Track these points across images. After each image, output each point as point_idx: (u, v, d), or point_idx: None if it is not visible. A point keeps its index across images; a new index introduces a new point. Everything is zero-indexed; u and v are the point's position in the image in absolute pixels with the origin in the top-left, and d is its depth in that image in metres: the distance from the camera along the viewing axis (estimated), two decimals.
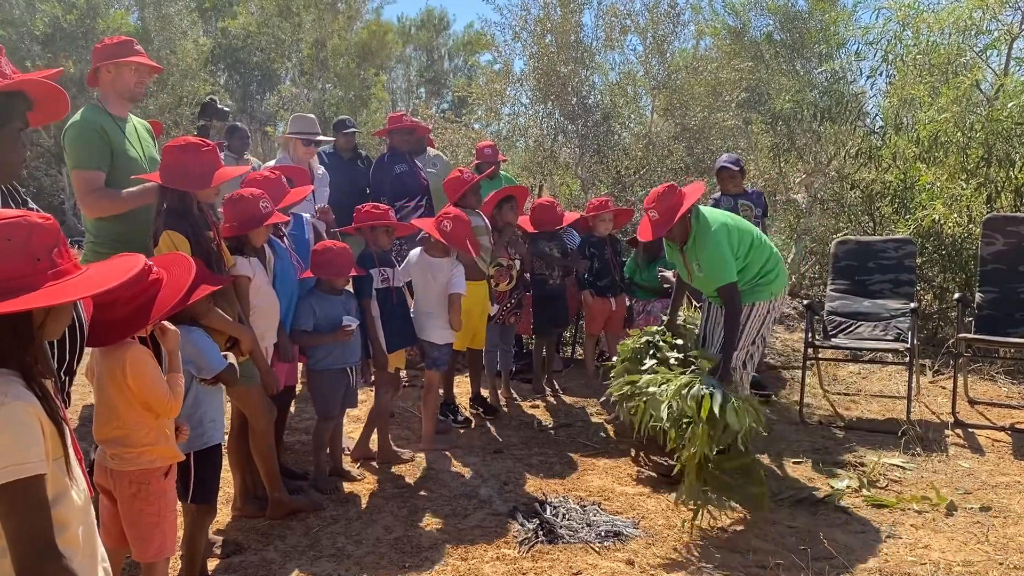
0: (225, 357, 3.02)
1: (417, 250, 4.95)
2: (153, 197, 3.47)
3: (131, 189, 3.52)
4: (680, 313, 4.93)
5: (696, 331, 4.77)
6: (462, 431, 5.29)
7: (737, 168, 6.15)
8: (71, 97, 2.38)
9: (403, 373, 5.10)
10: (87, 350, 2.41)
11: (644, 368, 4.51)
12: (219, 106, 4.54)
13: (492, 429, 5.37)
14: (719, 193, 6.19)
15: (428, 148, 7.07)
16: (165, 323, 2.55)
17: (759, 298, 4.29)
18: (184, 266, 2.48)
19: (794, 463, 4.76)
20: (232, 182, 3.79)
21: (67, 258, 1.67)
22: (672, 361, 4.53)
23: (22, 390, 1.58)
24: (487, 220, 5.48)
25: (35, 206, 2.28)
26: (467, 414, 5.57)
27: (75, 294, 1.64)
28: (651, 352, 4.66)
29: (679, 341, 4.67)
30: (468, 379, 5.87)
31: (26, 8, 14.81)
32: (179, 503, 2.88)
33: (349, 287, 4.48)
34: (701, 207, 4.36)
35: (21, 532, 1.53)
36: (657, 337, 4.74)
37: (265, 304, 3.74)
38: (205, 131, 3.96)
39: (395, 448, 4.71)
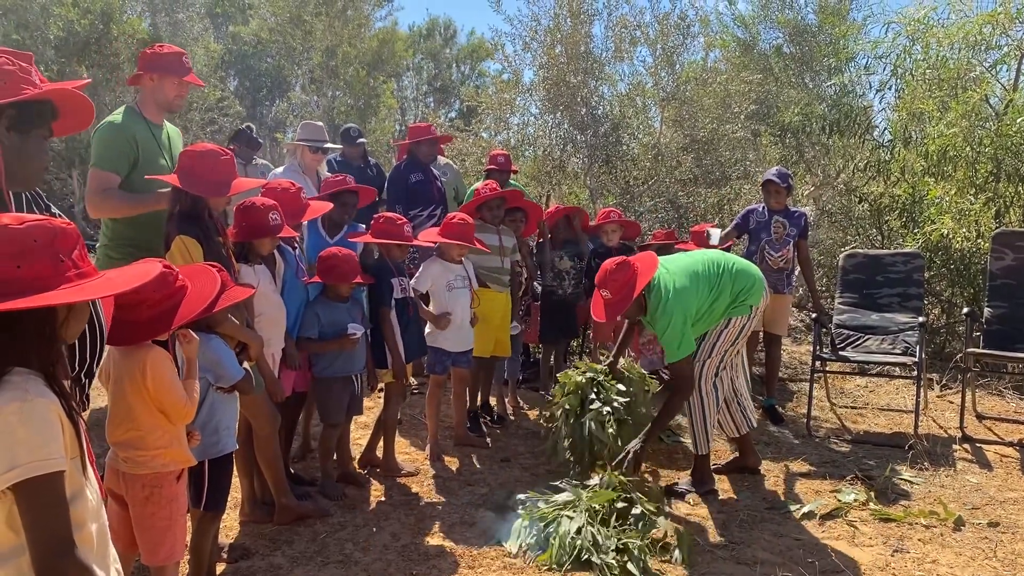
0: (242, 365, 3.04)
1: (433, 258, 4.96)
2: (162, 205, 3.50)
3: (143, 195, 3.55)
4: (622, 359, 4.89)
5: (634, 376, 4.79)
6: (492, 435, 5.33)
7: (783, 184, 5.90)
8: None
9: (413, 381, 5.12)
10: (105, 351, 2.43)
11: (591, 408, 4.52)
12: (254, 135, 4.51)
13: (500, 438, 5.38)
14: (761, 205, 6.07)
15: (439, 157, 7.10)
16: (189, 331, 2.58)
17: (738, 314, 4.28)
18: (209, 277, 2.51)
19: (801, 476, 4.76)
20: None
21: (87, 262, 1.70)
22: (616, 404, 4.52)
23: (43, 388, 1.61)
24: (501, 238, 5.44)
25: (58, 211, 2.31)
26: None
27: (97, 293, 1.67)
28: (595, 391, 4.63)
29: (622, 387, 4.63)
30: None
31: (40, 13, 14.91)
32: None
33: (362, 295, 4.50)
34: (659, 268, 4.24)
35: (41, 528, 1.54)
36: (601, 376, 4.71)
37: (271, 312, 3.75)
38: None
39: (399, 462, 4.71)
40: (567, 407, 4.65)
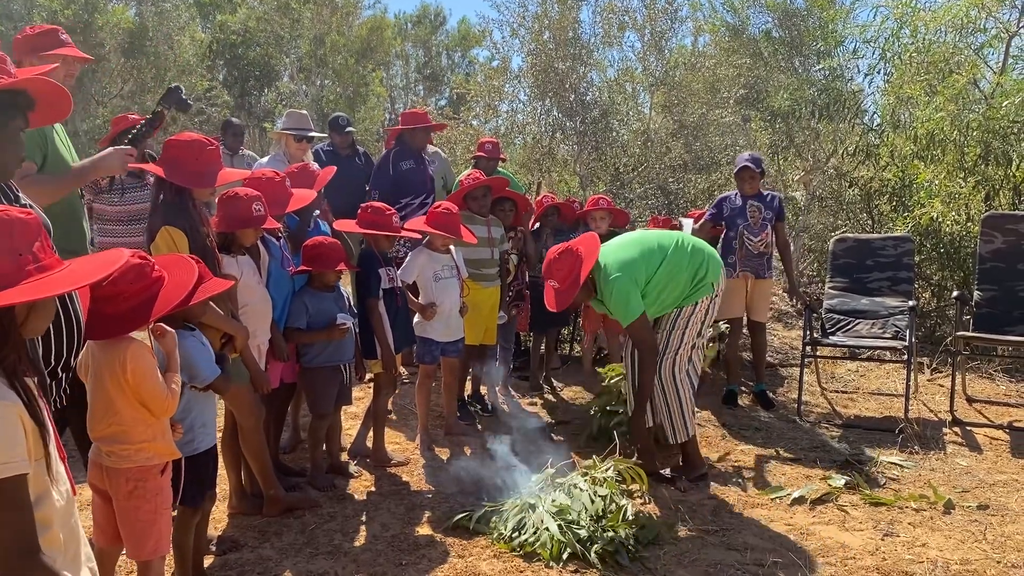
0: (221, 359, 3.00)
1: (420, 248, 4.93)
2: (75, 186, 3.36)
3: (62, 176, 3.33)
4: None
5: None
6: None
7: (758, 169, 5.89)
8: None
9: (403, 371, 5.09)
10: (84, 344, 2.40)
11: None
12: (183, 96, 4.28)
13: (490, 426, 5.36)
14: (733, 192, 6.05)
15: (428, 145, 7.02)
16: (163, 324, 2.54)
17: (702, 295, 4.26)
18: (186, 267, 2.47)
19: (792, 461, 4.76)
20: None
21: (49, 253, 1.65)
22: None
23: (4, 389, 1.56)
24: (490, 228, 5.38)
25: (28, 201, 2.27)
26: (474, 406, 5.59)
27: (57, 289, 1.61)
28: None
29: None
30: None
31: (24, 3, 14.75)
32: None
33: (348, 286, 4.45)
34: (601, 251, 4.22)
35: (3, 532, 1.51)
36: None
37: (256, 303, 3.71)
38: (159, 118, 3.65)
39: (389, 452, 4.69)
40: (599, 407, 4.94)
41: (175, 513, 3.05)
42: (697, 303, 4.25)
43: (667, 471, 4.44)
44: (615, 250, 4.24)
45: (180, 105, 4.00)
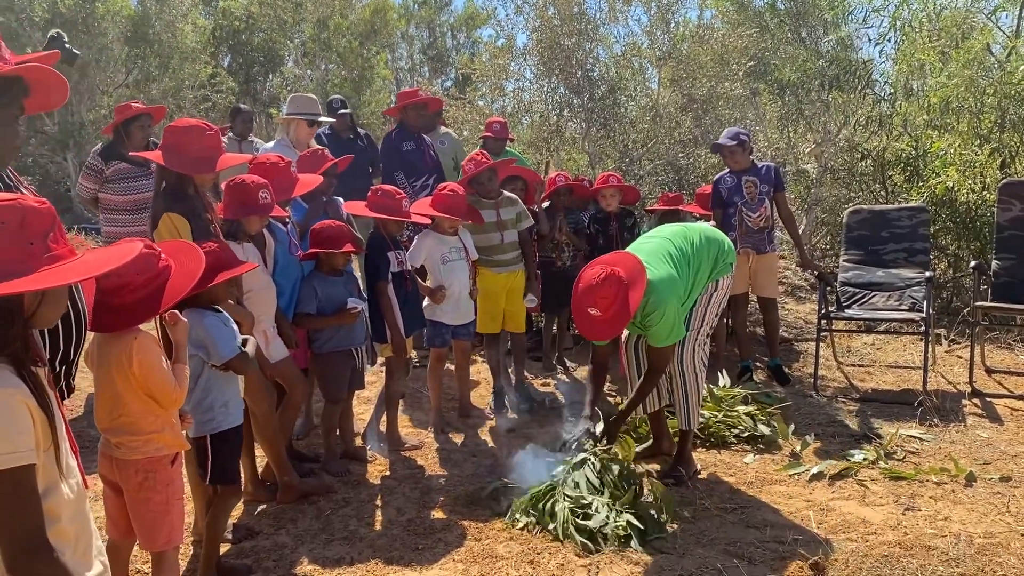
0: (244, 344, 2.97)
1: (426, 231, 4.86)
2: None
3: None
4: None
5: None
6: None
7: (735, 143, 5.74)
8: (71, 83, 2.31)
9: (413, 355, 5.05)
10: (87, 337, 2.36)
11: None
12: (66, 44, 3.73)
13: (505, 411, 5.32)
14: (725, 171, 5.95)
15: (440, 127, 6.94)
16: (176, 312, 2.50)
17: (724, 274, 4.09)
18: (193, 255, 2.43)
19: (810, 436, 4.70)
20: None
21: (63, 243, 1.62)
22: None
23: (11, 377, 1.54)
24: (499, 211, 5.19)
25: (24, 191, 2.22)
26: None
27: (67, 279, 1.59)
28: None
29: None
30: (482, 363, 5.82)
31: None
32: (186, 490, 2.85)
33: (357, 270, 4.42)
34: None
35: (11, 525, 1.48)
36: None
37: (261, 289, 3.69)
38: None
39: (403, 436, 4.66)
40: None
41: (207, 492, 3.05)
42: (718, 281, 4.13)
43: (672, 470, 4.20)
44: (652, 269, 3.80)
45: (65, 55, 3.71)
